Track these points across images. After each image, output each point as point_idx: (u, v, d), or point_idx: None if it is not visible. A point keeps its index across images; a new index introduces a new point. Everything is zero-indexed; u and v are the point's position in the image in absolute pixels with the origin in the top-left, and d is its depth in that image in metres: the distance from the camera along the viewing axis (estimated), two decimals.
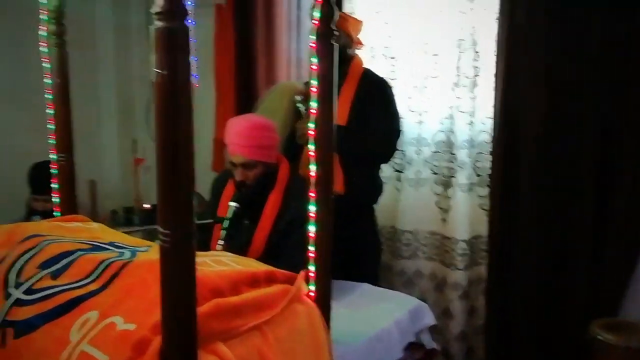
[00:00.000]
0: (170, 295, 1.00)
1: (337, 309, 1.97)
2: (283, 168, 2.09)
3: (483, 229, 2.81)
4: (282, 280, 1.42)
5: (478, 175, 2.90)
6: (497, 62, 2.61)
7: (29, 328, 1.23)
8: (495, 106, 2.65)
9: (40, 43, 1.95)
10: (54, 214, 2.08)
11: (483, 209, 2.87)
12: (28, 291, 1.32)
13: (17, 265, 1.41)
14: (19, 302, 1.29)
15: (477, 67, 2.83)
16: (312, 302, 1.45)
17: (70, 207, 2.08)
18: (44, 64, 1.97)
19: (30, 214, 3.03)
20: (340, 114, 2.62)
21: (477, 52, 2.82)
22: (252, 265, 1.45)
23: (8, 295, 1.32)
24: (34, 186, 3.17)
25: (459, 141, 2.86)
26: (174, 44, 0.91)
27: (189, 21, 0.91)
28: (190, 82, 0.93)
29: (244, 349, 1.17)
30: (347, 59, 2.64)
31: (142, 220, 3.65)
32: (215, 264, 1.38)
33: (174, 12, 0.90)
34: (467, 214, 2.88)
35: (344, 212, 2.60)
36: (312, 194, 1.43)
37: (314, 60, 1.37)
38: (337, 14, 1.37)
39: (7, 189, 3.35)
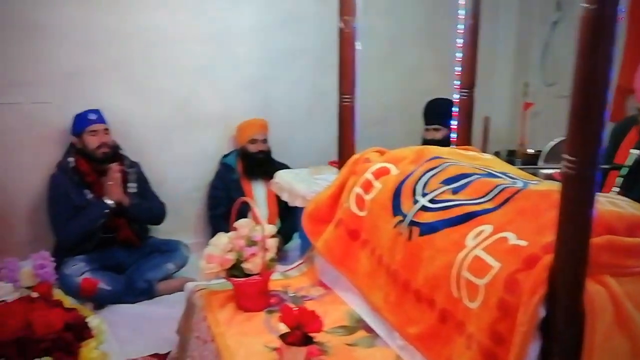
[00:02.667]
0: (567, 219, 1.04)
1: None
2: None
3: None
4: None
5: None
6: None
7: (431, 229, 1.46)
8: None
9: None
10: (450, 145, 2.29)
11: None
12: (432, 201, 1.54)
13: (424, 179, 1.65)
14: (424, 208, 1.54)
15: None
16: None
17: (466, 138, 2.26)
18: (459, 10, 2.11)
19: (423, 143, 3.39)
20: None
21: None
22: None
23: (416, 202, 1.58)
24: (426, 118, 3.56)
25: None
26: None
27: None
28: (616, 17, 0.92)
29: (634, 289, 1.14)
30: None
31: (523, 164, 3.67)
32: (610, 204, 1.36)
33: None
34: None
35: None
36: None
37: None
38: None
39: (408, 123, 3.84)
